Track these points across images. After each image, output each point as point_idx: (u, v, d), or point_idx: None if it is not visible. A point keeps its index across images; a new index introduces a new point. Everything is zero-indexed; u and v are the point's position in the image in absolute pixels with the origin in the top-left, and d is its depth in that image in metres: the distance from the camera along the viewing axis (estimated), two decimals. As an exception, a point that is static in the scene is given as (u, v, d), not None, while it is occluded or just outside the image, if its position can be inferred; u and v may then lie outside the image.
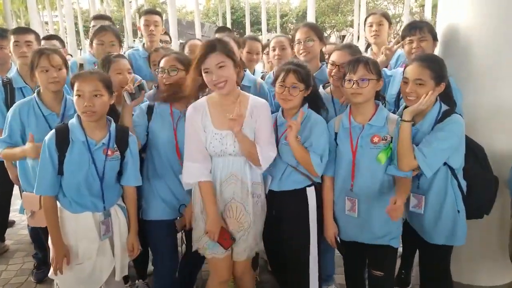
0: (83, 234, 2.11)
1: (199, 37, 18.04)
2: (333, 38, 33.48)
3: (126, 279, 2.75)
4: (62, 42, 3.97)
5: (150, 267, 3.07)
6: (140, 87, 2.26)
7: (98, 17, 4.05)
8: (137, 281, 2.90)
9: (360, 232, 2.17)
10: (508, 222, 2.38)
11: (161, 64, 2.30)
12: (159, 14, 3.60)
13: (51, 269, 2.15)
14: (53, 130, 2.08)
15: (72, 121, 2.10)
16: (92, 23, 3.92)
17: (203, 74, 2.02)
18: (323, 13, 32.03)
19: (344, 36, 35.25)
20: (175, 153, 2.28)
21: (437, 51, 2.81)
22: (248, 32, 25.09)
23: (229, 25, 29.75)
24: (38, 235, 2.83)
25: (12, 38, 2.83)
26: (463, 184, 2.16)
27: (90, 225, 2.10)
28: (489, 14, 2.48)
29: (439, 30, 2.77)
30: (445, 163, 2.09)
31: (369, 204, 2.12)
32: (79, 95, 2.00)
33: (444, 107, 2.13)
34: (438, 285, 2.36)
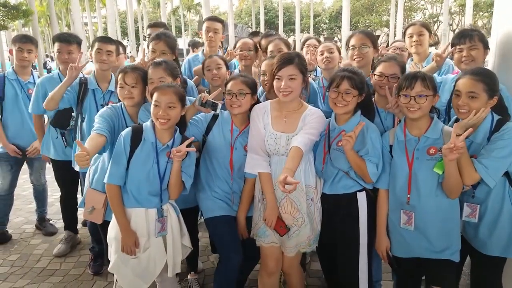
0: (136, 229, 2.28)
1: (232, 38, 18.20)
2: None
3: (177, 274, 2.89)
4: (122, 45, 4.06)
5: (200, 265, 3.23)
6: (213, 105, 2.38)
7: (153, 25, 4.16)
8: (189, 275, 3.05)
9: (416, 246, 2.18)
10: None
11: (229, 86, 2.42)
12: (221, 21, 3.72)
13: (111, 263, 2.34)
14: (130, 128, 2.31)
15: (146, 124, 2.32)
16: (148, 31, 4.08)
17: (274, 80, 2.24)
18: (357, 13, 31.56)
19: (378, 36, 34.69)
20: (229, 167, 2.45)
21: (491, 61, 2.78)
22: (281, 32, 25.14)
23: (262, 26, 29.89)
24: (96, 229, 3.02)
25: (96, 45, 3.05)
26: (522, 194, 2.15)
27: (142, 221, 2.28)
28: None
29: (495, 40, 2.73)
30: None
31: (426, 217, 2.13)
32: (156, 105, 2.21)
33: (497, 117, 2.14)
34: (489, 296, 2.36)
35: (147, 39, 3.74)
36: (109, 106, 2.62)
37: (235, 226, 2.49)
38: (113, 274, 2.43)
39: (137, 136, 2.27)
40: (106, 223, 2.50)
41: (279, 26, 28.36)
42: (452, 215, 2.14)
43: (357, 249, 2.29)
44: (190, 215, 2.72)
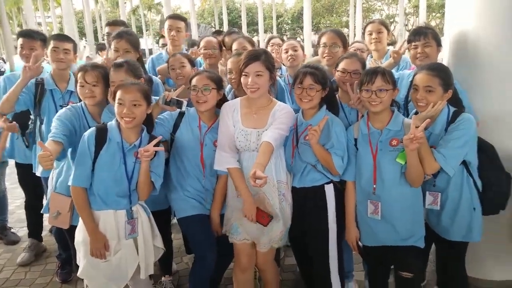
0: (105, 231, 2.23)
1: (196, 37, 18.09)
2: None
3: (150, 277, 2.85)
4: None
5: (174, 266, 3.20)
6: (178, 103, 2.40)
7: (112, 24, 4.05)
8: (163, 278, 3.01)
9: (384, 234, 2.26)
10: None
11: (194, 82, 2.42)
12: (183, 19, 3.68)
13: (80, 268, 2.28)
14: (94, 127, 2.25)
15: (111, 123, 2.26)
16: (107, 29, 4.00)
17: (242, 76, 2.27)
18: (318, 14, 32.18)
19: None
20: (200, 164, 2.45)
21: (446, 58, 2.95)
22: (244, 32, 25.06)
23: (225, 26, 29.77)
24: (63, 235, 2.89)
25: (52, 44, 2.91)
26: (479, 182, 2.28)
27: (111, 223, 2.24)
28: (496, 23, 2.59)
29: (447, 32, 2.89)
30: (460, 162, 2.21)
31: (392, 206, 2.21)
32: (120, 103, 2.16)
33: (452, 109, 2.27)
34: (453, 279, 2.49)
35: (105, 38, 3.67)
36: (68, 107, 2.53)
37: (208, 225, 2.49)
38: (83, 280, 2.37)
39: (101, 136, 2.21)
40: (73, 228, 2.42)
41: (243, 26, 28.38)
42: (415, 204, 2.24)
43: (327, 241, 2.35)
44: (162, 216, 2.69)
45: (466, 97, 2.47)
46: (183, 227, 2.54)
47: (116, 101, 2.19)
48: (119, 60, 2.61)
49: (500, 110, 2.66)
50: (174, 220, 2.81)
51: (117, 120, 2.24)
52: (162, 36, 4.60)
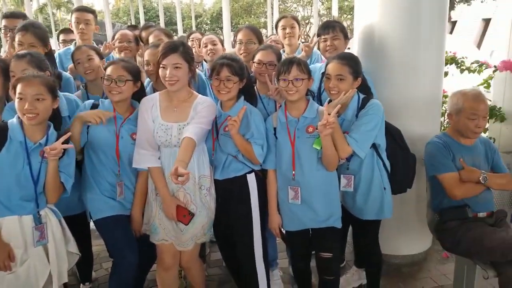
0: (9, 240, 2.03)
1: (110, 38, 17.15)
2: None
3: (65, 286, 2.64)
4: None
5: (93, 274, 3.01)
6: None
7: (9, 16, 3.61)
8: (81, 285, 2.82)
9: (305, 218, 2.33)
10: (425, 195, 2.75)
11: (108, 71, 2.27)
12: (92, 12, 3.46)
13: None
14: None
15: (13, 121, 2.05)
16: (3, 22, 3.63)
17: (160, 69, 2.18)
18: (237, 15, 32.51)
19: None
20: (115, 157, 2.32)
21: (355, 49, 3.13)
22: (162, 33, 24.44)
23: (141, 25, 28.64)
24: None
25: None
26: (387, 163, 2.45)
27: (16, 230, 2.04)
28: (398, 17, 2.82)
29: (356, 30, 3.09)
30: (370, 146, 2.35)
31: (310, 190, 2.29)
32: (20, 98, 1.96)
33: (362, 96, 2.41)
34: (369, 257, 2.66)
35: (2, 31, 3.34)
36: None
37: (128, 225, 2.37)
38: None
39: (1, 136, 2.00)
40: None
41: (161, 26, 27.63)
42: (331, 186, 2.34)
43: (251, 230, 2.36)
44: (77, 220, 2.49)
45: (373, 86, 2.63)
46: (101, 228, 2.38)
47: (16, 95, 1.98)
48: (23, 51, 2.38)
49: (404, 98, 2.90)
50: (93, 225, 2.63)
51: (19, 117, 2.03)
52: (62, 31, 4.24)
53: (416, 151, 2.62)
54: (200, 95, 2.36)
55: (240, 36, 2.98)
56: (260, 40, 3.01)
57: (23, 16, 3.72)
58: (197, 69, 2.72)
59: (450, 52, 3.88)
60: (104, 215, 2.31)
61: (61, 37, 4.11)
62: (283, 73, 2.24)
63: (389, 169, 2.45)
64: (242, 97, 2.38)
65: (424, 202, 2.77)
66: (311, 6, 27.49)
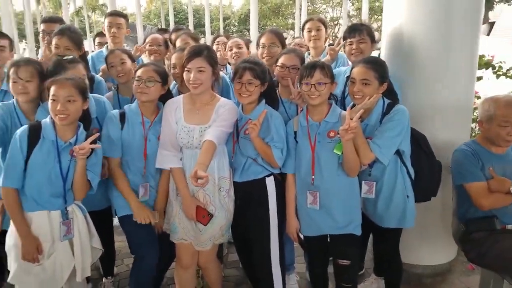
0: (38, 234, 2.13)
1: (141, 40, 17.52)
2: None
3: (88, 279, 2.73)
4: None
5: (115, 269, 3.09)
6: None
7: (48, 20, 3.81)
8: (104, 279, 2.90)
9: (323, 223, 2.30)
10: (450, 204, 2.66)
11: (139, 73, 2.36)
12: (124, 16, 3.61)
13: (11, 273, 2.15)
14: (26, 125, 2.15)
15: (46, 121, 2.16)
16: (42, 26, 3.79)
17: (184, 72, 2.25)
18: (265, 16, 32.54)
19: (285, 38, 35.94)
20: (143, 159, 2.39)
21: (382, 53, 3.07)
22: (191, 34, 24.71)
23: (171, 28, 29.06)
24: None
25: None
26: (411, 170, 2.39)
27: (45, 225, 2.14)
28: (429, 22, 2.74)
29: (384, 34, 3.02)
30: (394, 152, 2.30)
31: (329, 196, 2.26)
32: (54, 99, 2.08)
33: (387, 101, 2.36)
34: (389, 266, 2.61)
35: (40, 35, 3.49)
36: None
37: (151, 225, 2.41)
38: (14, 285, 2.22)
39: (35, 134, 2.11)
40: (3, 233, 2.26)
41: (189, 28, 27.99)
42: (352, 193, 2.31)
43: (268, 233, 2.36)
44: (101, 216, 2.57)
45: (400, 91, 2.59)
46: (124, 224, 2.45)
47: (50, 97, 2.10)
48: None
49: (432, 103, 2.82)
50: (116, 221, 2.70)
51: (51, 117, 2.14)
52: (98, 35, 4.45)
53: (442, 158, 2.55)
54: (222, 98, 2.39)
55: (263, 39, 3.00)
56: (283, 44, 3.02)
57: (60, 20, 3.91)
58: (221, 72, 2.76)
59: (488, 55, 3.74)
60: (129, 212, 2.37)
61: (97, 40, 4.37)
62: (305, 77, 2.23)
63: (413, 176, 2.40)
64: (263, 101, 2.38)
65: (449, 210, 2.68)
66: (341, 7, 27.16)
